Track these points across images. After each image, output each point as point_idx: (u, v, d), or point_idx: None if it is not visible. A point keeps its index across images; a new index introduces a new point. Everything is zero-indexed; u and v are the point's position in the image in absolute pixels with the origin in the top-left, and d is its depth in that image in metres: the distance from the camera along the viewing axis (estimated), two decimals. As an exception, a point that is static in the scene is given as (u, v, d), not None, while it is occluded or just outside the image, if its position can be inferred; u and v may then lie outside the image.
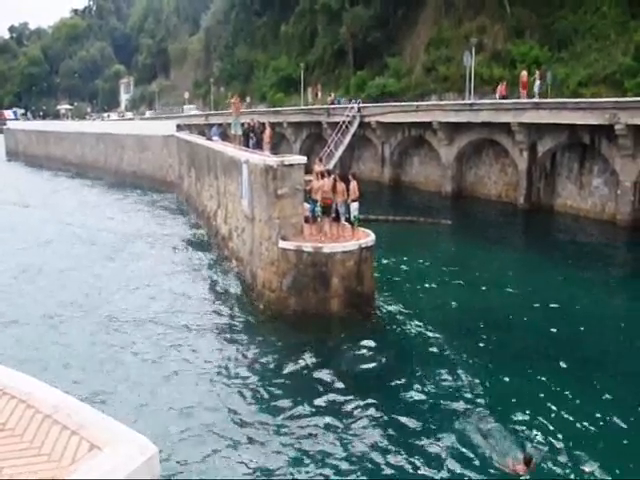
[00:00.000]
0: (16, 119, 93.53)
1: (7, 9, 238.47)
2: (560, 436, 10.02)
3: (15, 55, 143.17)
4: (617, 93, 28.79)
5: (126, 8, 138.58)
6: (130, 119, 74.12)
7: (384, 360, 13.22)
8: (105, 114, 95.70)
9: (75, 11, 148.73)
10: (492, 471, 9.23)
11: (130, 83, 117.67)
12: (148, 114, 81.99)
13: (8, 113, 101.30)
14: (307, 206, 16.88)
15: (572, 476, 9.09)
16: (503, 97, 33.07)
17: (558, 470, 9.20)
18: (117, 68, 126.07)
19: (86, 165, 56.86)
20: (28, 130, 75.76)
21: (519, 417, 10.67)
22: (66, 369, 13.17)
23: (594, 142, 27.22)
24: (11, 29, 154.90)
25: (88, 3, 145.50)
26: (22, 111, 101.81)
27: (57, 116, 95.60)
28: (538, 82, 31.65)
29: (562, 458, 9.46)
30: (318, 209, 16.46)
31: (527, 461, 9.08)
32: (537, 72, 32.28)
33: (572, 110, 27.09)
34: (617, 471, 9.15)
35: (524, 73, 32.95)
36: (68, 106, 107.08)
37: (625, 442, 9.99)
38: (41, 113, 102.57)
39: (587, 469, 9.18)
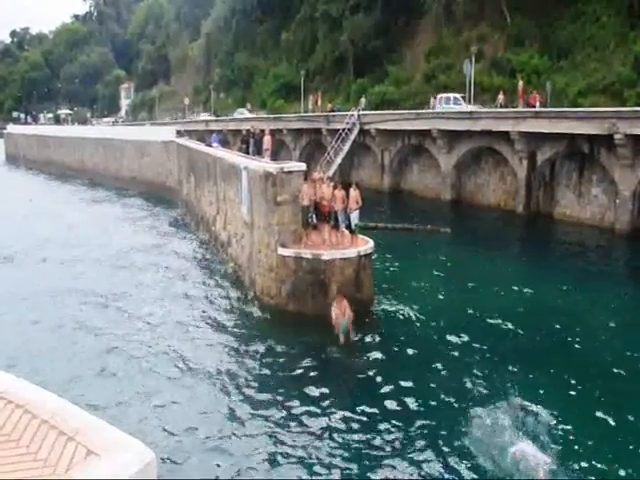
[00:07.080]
0: (43, 123, 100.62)
1: (9, 14, 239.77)
2: (572, 442, 9.96)
3: (16, 60, 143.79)
4: (616, 103, 28.89)
5: (127, 14, 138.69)
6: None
7: (382, 366, 13.20)
8: (107, 119, 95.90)
9: (76, 16, 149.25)
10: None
11: (130, 88, 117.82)
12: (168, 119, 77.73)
13: (40, 117, 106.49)
14: None
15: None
16: (532, 106, 32.33)
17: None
18: (117, 73, 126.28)
19: (86, 170, 56.85)
20: (28, 135, 75.82)
21: (519, 421, 10.63)
22: (63, 375, 13.12)
23: (593, 151, 27.27)
24: (12, 34, 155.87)
25: (89, 9, 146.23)
26: (50, 115, 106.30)
27: (57, 121, 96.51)
28: (538, 104, 31.67)
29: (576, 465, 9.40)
30: (310, 214, 16.49)
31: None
32: (537, 96, 32.18)
33: (571, 119, 27.15)
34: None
35: (521, 83, 33.16)
36: (68, 111, 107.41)
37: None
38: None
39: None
